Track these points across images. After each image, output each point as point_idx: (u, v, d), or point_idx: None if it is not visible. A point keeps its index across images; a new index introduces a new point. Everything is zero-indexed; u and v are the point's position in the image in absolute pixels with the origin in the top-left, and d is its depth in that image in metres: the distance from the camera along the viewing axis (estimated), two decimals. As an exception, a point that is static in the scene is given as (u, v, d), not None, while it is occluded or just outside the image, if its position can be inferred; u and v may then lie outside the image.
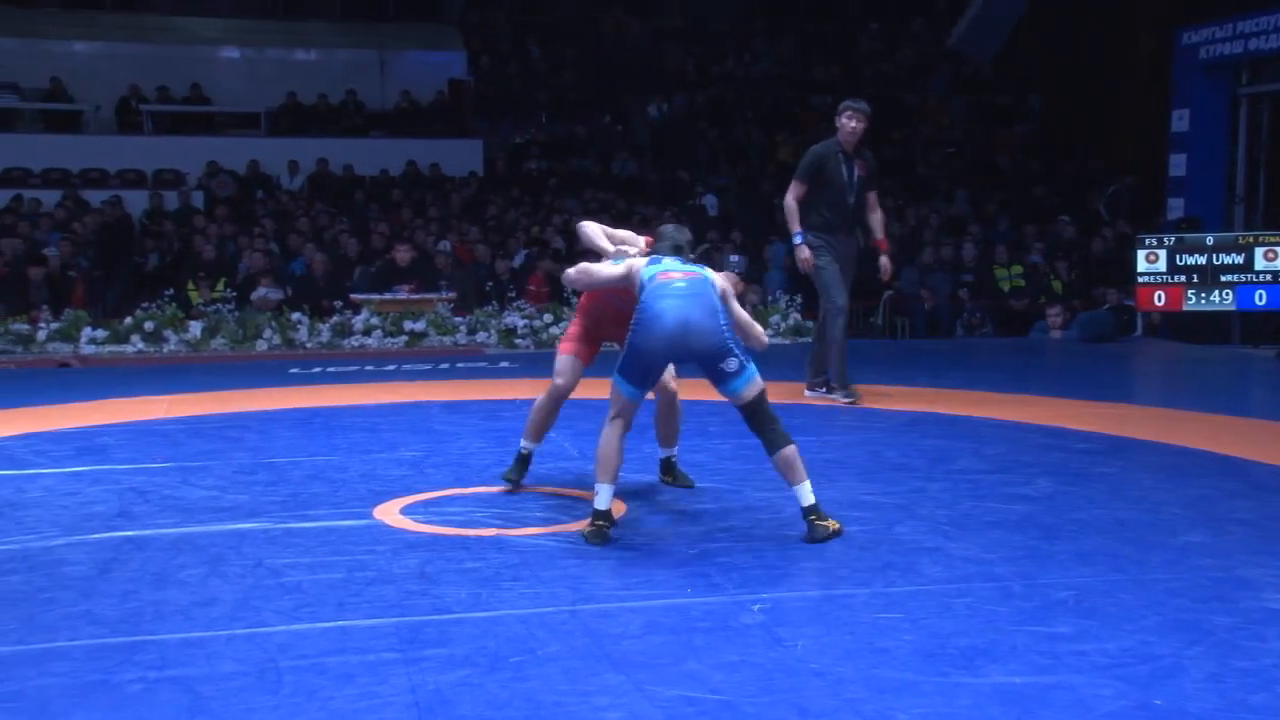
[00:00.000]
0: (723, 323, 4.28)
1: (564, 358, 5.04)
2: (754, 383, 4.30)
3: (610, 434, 4.38)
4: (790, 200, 7.45)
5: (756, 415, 4.32)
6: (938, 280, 13.08)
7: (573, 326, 5.15)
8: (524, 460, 5.21)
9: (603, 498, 4.32)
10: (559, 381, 5.02)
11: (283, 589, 3.77)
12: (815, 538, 4.23)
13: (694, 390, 8.02)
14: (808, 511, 4.28)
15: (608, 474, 4.33)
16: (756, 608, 3.57)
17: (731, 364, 4.26)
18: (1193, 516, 4.64)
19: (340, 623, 3.45)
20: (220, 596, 3.70)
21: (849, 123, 7.44)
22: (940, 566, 4.01)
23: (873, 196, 7.61)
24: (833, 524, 4.30)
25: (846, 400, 7.45)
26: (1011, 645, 3.25)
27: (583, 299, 5.13)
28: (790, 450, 4.28)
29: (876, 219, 7.65)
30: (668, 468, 5.31)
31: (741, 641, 3.30)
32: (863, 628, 3.40)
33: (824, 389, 7.64)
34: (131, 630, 3.40)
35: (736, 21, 21.18)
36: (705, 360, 4.28)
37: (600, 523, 4.30)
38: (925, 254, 13.34)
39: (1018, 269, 13.12)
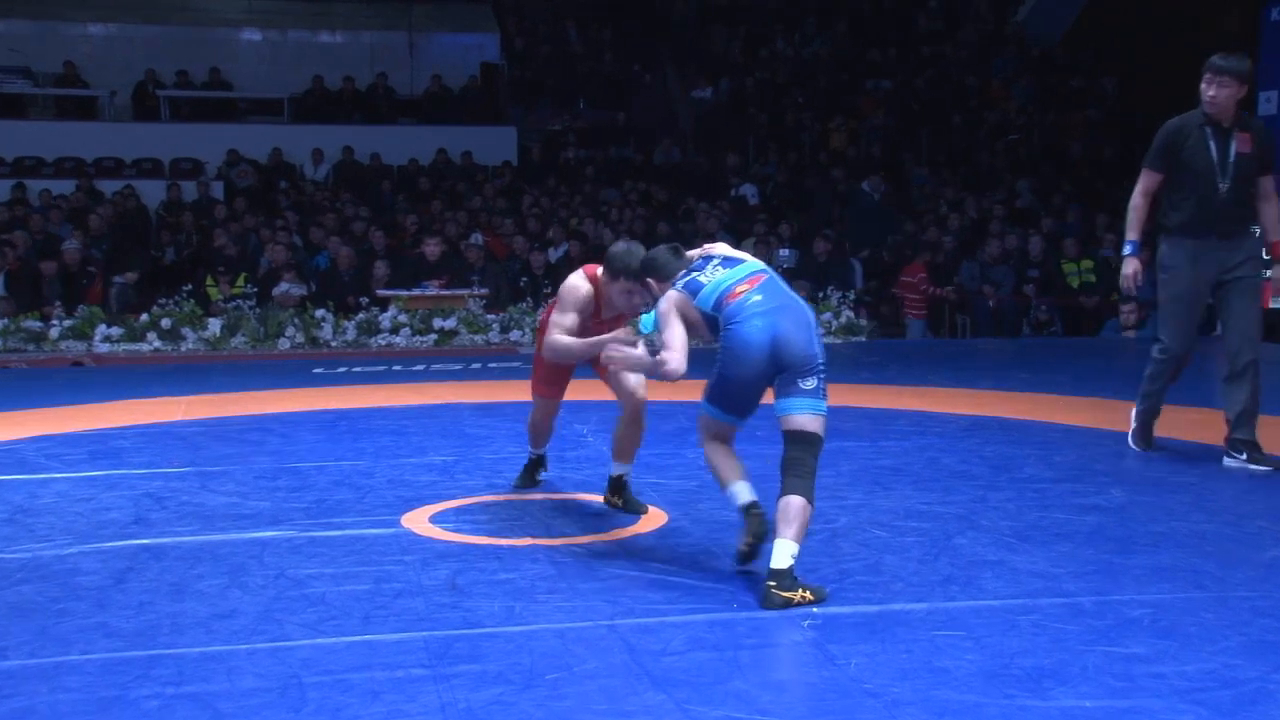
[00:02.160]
0: (815, 334, 4.03)
1: (541, 401, 5.18)
2: (820, 415, 3.96)
3: (713, 449, 4.18)
4: (1136, 197, 5.96)
5: (799, 450, 3.94)
6: (1002, 275, 12.98)
7: (542, 367, 5.01)
8: (534, 465, 5.46)
9: (742, 494, 4.05)
10: (538, 420, 5.27)
11: (306, 601, 3.80)
12: (770, 604, 3.70)
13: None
14: (773, 575, 3.75)
15: (732, 475, 4.10)
16: (807, 623, 3.56)
17: (809, 382, 3.95)
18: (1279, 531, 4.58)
19: (366, 636, 3.47)
20: (241, 608, 3.73)
21: (1206, 90, 5.84)
22: (1004, 581, 3.98)
23: (1266, 183, 5.86)
24: (800, 594, 3.72)
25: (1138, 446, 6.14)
26: (1082, 666, 3.22)
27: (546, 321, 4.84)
28: (802, 503, 3.85)
29: (1270, 213, 5.90)
30: (617, 487, 4.96)
31: (791, 659, 3.30)
32: (920, 646, 3.38)
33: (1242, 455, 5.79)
34: (148, 643, 3.44)
35: (787, 0, 21.13)
36: (790, 372, 3.96)
37: (757, 510, 4.02)
38: (989, 248, 13.25)
39: (1088, 264, 12.98)
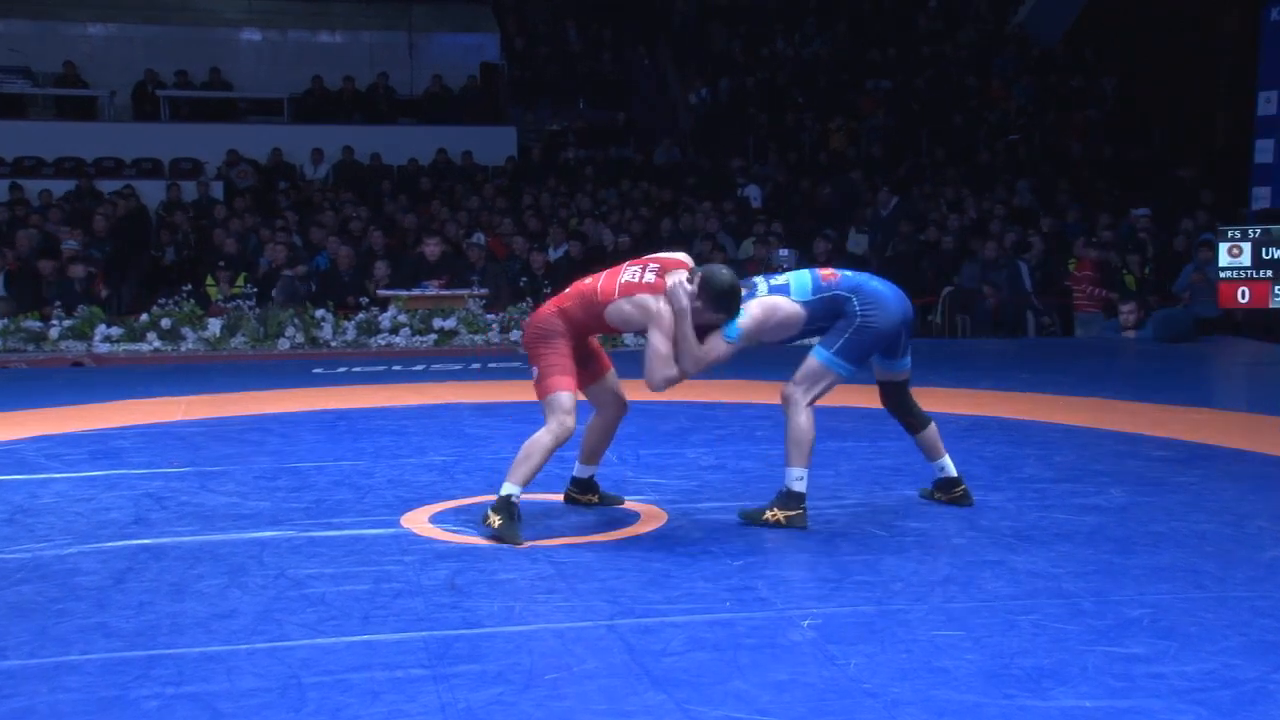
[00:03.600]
0: None
1: (567, 396, 4.60)
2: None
3: (810, 417, 4.67)
4: None
5: (907, 392, 4.97)
6: (1001, 276, 12.98)
7: (560, 355, 4.65)
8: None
9: (804, 481, 4.65)
10: (570, 424, 4.59)
11: (306, 601, 3.80)
12: (969, 502, 4.93)
13: (739, 392, 8.01)
14: (956, 481, 4.96)
15: (806, 457, 4.66)
16: (806, 623, 3.56)
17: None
18: (1279, 530, 4.58)
19: (366, 637, 3.47)
20: (240, 609, 3.74)
21: None
22: (1004, 581, 3.98)
23: None
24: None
25: None
26: (1082, 666, 3.22)
27: (572, 313, 4.69)
28: (933, 429, 4.97)
29: None
30: (592, 487, 5.03)
31: (790, 659, 3.30)
32: (920, 646, 3.38)
33: None
34: (148, 644, 3.44)
35: (787, 0, 21.14)
36: (906, 333, 4.81)
37: (802, 507, 4.64)
38: (988, 248, 13.24)
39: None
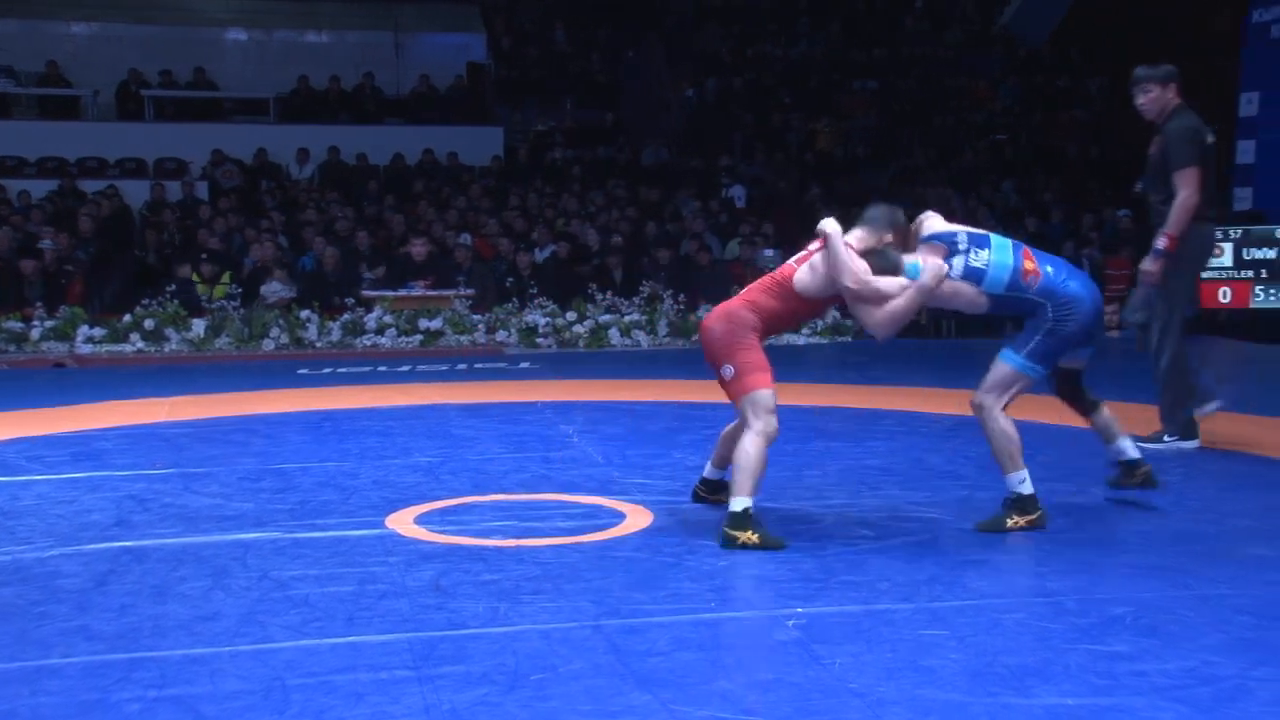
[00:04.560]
0: None
1: (769, 393, 4.51)
2: None
3: (1008, 421, 4.67)
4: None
5: (1081, 379, 5.01)
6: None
7: (756, 353, 4.54)
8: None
9: (1028, 483, 4.64)
10: (775, 423, 4.50)
11: (290, 602, 3.79)
12: (1155, 484, 4.96)
13: (701, 393, 8.01)
14: (1138, 464, 4.96)
15: (1018, 459, 4.65)
16: (792, 623, 3.57)
17: None
18: (1261, 529, 4.61)
19: (350, 638, 3.47)
20: (224, 611, 3.73)
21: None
22: (988, 580, 4.00)
23: (1175, 179, 6.10)
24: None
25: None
26: (1065, 665, 3.23)
27: (761, 302, 4.61)
28: (1107, 412, 5.02)
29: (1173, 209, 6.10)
30: (723, 487, 4.88)
31: (776, 659, 3.30)
32: (905, 645, 3.39)
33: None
34: (130, 646, 3.43)
35: (776, 0, 21.16)
36: (1099, 332, 4.85)
37: (1040, 508, 4.65)
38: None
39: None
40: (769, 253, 13.10)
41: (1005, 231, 5.25)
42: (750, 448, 4.42)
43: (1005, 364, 4.68)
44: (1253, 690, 3.06)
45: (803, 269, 4.61)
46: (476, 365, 9.95)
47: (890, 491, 5.26)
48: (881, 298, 4.53)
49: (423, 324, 11.20)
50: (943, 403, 7.53)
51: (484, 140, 17.28)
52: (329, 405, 7.77)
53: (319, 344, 11.08)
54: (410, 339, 11.14)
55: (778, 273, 4.70)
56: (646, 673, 3.20)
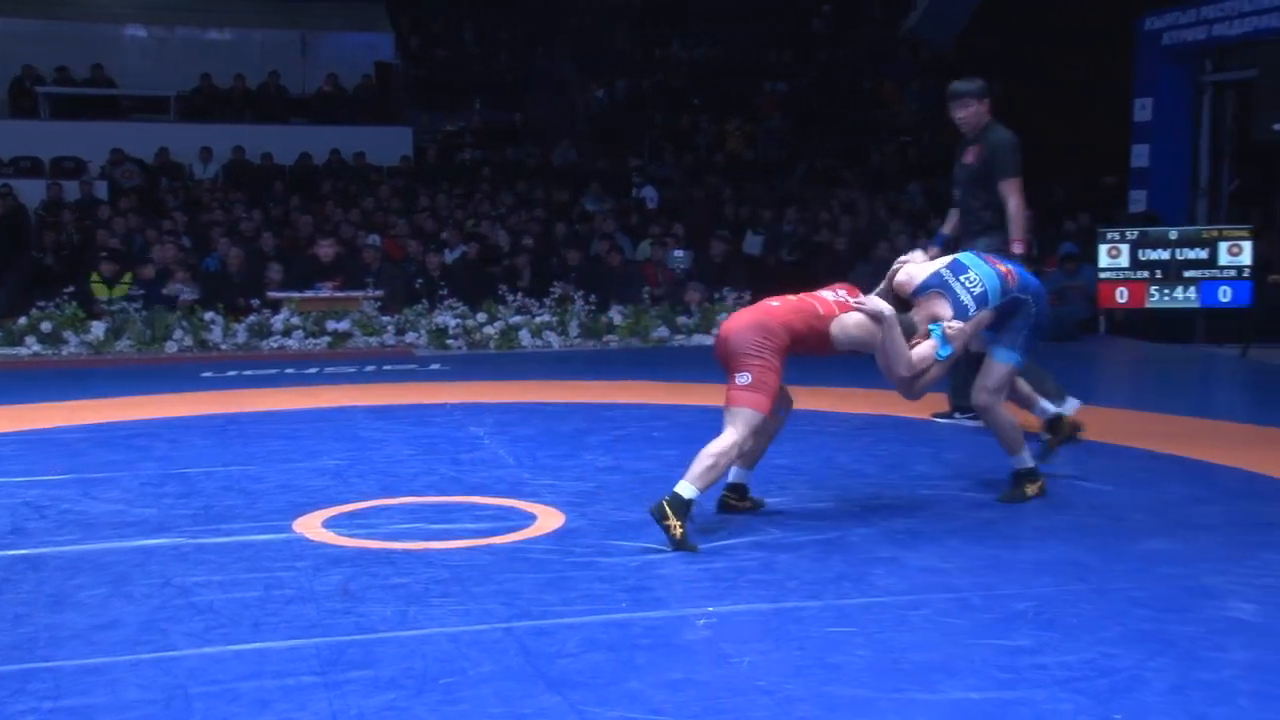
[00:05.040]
0: None
1: (761, 418, 4.56)
2: None
3: (1006, 411, 5.13)
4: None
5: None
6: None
7: (774, 376, 4.57)
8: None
9: (1030, 459, 5.12)
10: (751, 443, 4.65)
11: (193, 609, 3.72)
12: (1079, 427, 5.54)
13: (636, 393, 8.03)
14: (1060, 417, 5.49)
15: (1020, 443, 5.10)
16: (701, 622, 3.59)
17: None
18: (1157, 523, 4.73)
19: (256, 645, 3.42)
20: (123, 619, 3.65)
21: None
22: (896, 577, 4.05)
23: (1002, 188, 6.63)
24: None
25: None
26: (969, 660, 3.29)
27: (797, 328, 4.62)
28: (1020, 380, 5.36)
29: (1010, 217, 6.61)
30: (746, 491, 4.96)
31: (685, 658, 3.32)
32: (813, 642, 3.42)
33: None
34: (24, 657, 3.34)
35: (688, 1, 21.23)
36: None
37: (1043, 476, 5.15)
38: (881, 249, 13.44)
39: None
40: (679, 254, 13.14)
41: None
42: (723, 447, 4.44)
43: (1003, 363, 5.07)
44: (1149, 681, 3.14)
45: (839, 326, 4.67)
46: (386, 367, 9.85)
47: (799, 490, 5.30)
48: (923, 372, 4.81)
49: (331, 326, 11.06)
50: (852, 402, 7.62)
51: (392, 140, 17.13)
52: (234, 408, 7.64)
53: (224, 346, 10.87)
54: (318, 341, 10.98)
55: (820, 306, 4.71)
56: (556, 674, 3.19)
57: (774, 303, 4.73)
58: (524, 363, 10.21)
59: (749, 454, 4.81)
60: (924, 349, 4.74)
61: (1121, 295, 11.39)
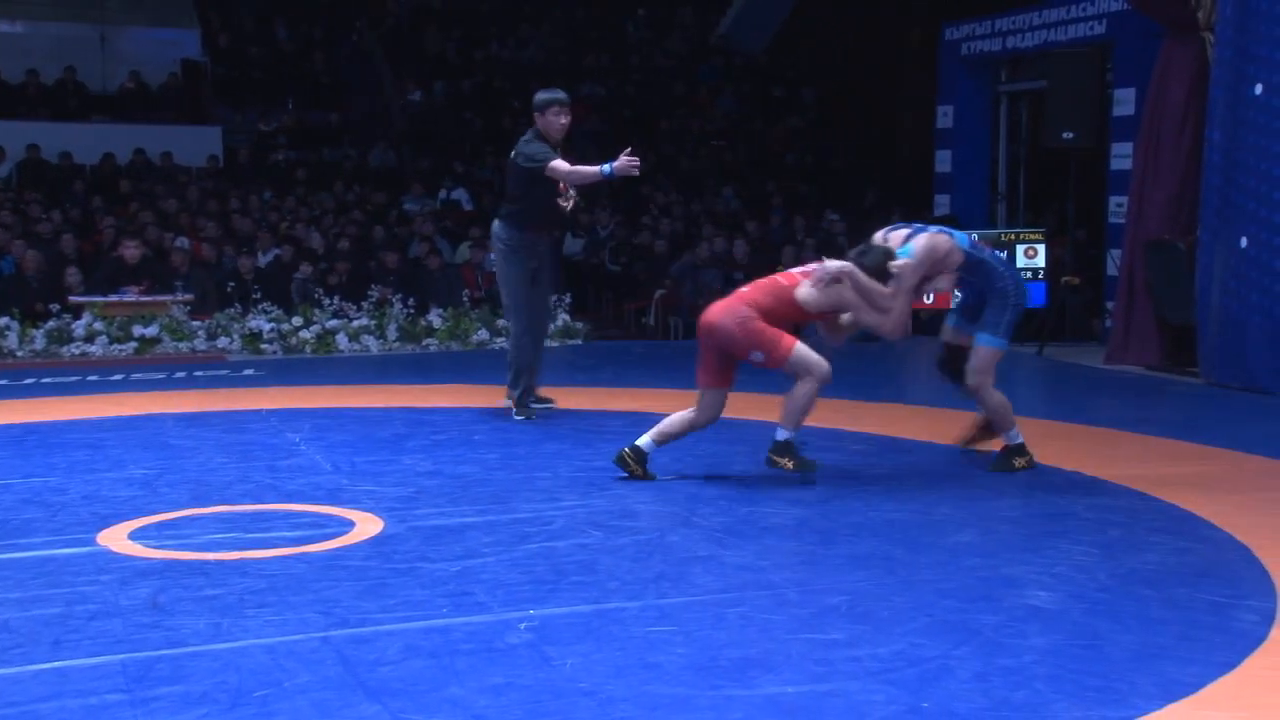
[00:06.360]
0: None
1: (804, 346, 5.35)
2: None
3: (999, 392, 5.63)
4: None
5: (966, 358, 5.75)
6: (710, 278, 13.37)
7: (770, 328, 5.31)
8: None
9: (1020, 434, 5.68)
10: (827, 365, 5.39)
11: (-12, 629, 3.54)
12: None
13: (457, 397, 7.96)
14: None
15: (1012, 420, 5.66)
16: (523, 626, 3.58)
17: None
18: (962, 516, 4.92)
19: (57, 663, 3.27)
20: (-88, 641, 3.45)
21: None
22: (714, 575, 4.11)
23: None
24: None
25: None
26: (786, 654, 3.37)
27: (761, 302, 5.36)
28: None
29: None
30: (645, 459, 5.55)
31: (507, 663, 3.30)
32: (634, 643, 3.45)
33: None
34: None
35: (502, 4, 21.14)
36: None
37: (1031, 452, 5.69)
38: (699, 250, 13.63)
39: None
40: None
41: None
42: (803, 390, 5.27)
43: (987, 348, 5.59)
44: (954, 669, 3.26)
45: (806, 285, 5.33)
46: (197, 373, 9.53)
47: (619, 492, 5.34)
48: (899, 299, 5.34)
49: (137, 331, 10.64)
50: (670, 403, 7.67)
51: (200, 140, 16.57)
52: (33, 418, 7.29)
53: (20, 353, 10.36)
54: (124, 346, 10.56)
55: (781, 277, 5.46)
56: (376, 683, 3.14)
57: (744, 289, 5.44)
58: (342, 367, 10.02)
59: (665, 435, 5.48)
60: (907, 270, 5.38)
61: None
